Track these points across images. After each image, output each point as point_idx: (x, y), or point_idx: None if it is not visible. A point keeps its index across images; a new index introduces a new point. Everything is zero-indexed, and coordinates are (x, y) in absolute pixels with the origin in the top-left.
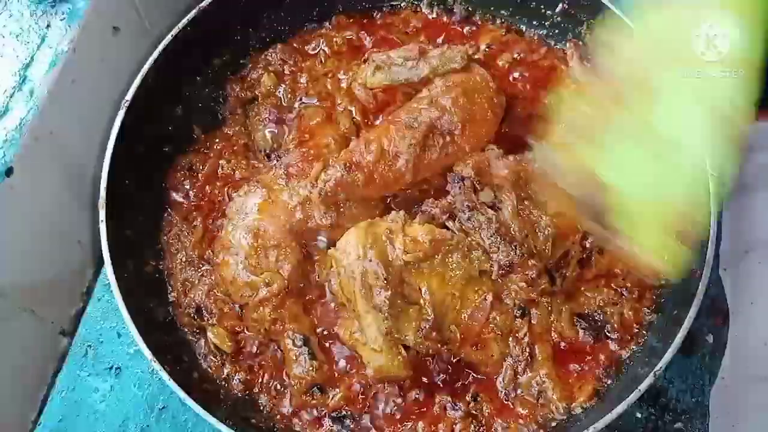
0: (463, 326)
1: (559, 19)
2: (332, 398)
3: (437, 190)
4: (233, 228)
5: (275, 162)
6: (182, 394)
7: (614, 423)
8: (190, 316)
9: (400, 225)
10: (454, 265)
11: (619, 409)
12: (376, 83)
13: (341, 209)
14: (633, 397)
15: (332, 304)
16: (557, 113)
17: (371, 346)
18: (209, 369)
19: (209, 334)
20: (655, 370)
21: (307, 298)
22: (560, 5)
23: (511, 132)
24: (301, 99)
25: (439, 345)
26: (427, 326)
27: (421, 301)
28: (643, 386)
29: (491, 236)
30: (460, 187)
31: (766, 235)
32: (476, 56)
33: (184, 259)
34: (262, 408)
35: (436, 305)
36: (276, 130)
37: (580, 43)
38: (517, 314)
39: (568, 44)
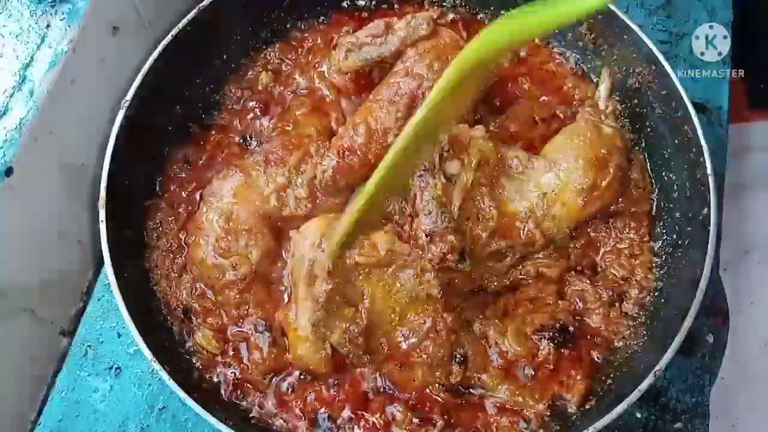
0: (392, 343)
1: None
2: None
3: None
4: (207, 210)
5: (256, 148)
6: (182, 394)
7: (614, 423)
8: (180, 319)
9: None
10: (404, 281)
11: (619, 409)
12: (351, 66)
13: (317, 201)
14: (633, 397)
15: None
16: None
17: (299, 333)
18: (201, 369)
19: (196, 337)
20: (655, 370)
21: (273, 285)
22: None
23: (510, 128)
24: (292, 92)
25: (361, 353)
26: (356, 330)
27: (360, 306)
28: (643, 386)
29: (429, 199)
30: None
31: (766, 236)
32: (441, 20)
33: (173, 260)
34: (250, 407)
35: (372, 314)
36: (259, 116)
37: (617, 72)
38: (457, 361)
39: (605, 69)
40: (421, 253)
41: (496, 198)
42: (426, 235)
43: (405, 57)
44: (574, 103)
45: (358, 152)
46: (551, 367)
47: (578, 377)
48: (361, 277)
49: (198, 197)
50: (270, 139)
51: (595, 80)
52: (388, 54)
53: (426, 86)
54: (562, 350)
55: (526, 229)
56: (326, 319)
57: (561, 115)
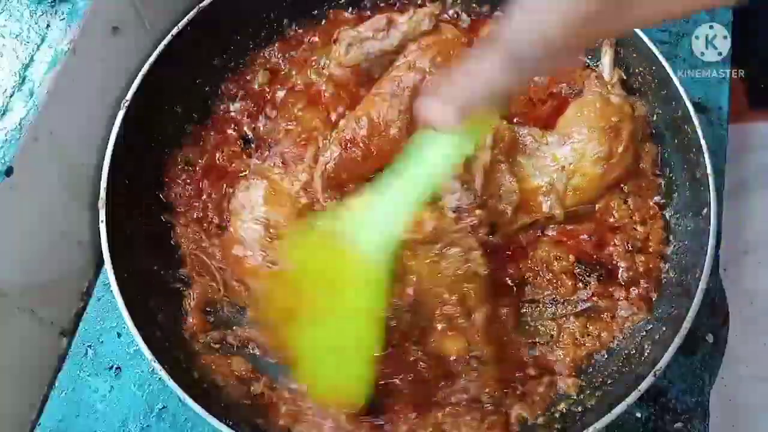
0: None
1: None
2: None
3: None
4: (242, 223)
5: (267, 152)
6: (182, 394)
7: (614, 423)
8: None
9: None
10: (451, 258)
11: (619, 409)
12: (353, 60)
13: (345, 190)
14: (633, 397)
15: None
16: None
17: None
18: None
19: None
20: (655, 369)
21: None
22: None
23: (511, 110)
24: (287, 90)
25: (406, 328)
26: (402, 305)
27: (407, 281)
28: (643, 386)
29: (452, 179)
30: None
31: (766, 236)
32: (442, 16)
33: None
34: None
35: (419, 290)
36: (255, 116)
37: (618, 47)
38: None
39: (605, 41)
40: (469, 230)
41: (516, 175)
42: (453, 212)
43: (407, 51)
44: (575, 82)
45: (361, 144)
46: None
47: None
48: (408, 254)
49: (205, 198)
50: (279, 141)
51: (594, 63)
52: (390, 49)
53: (429, 80)
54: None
55: (549, 202)
56: None
57: (562, 93)
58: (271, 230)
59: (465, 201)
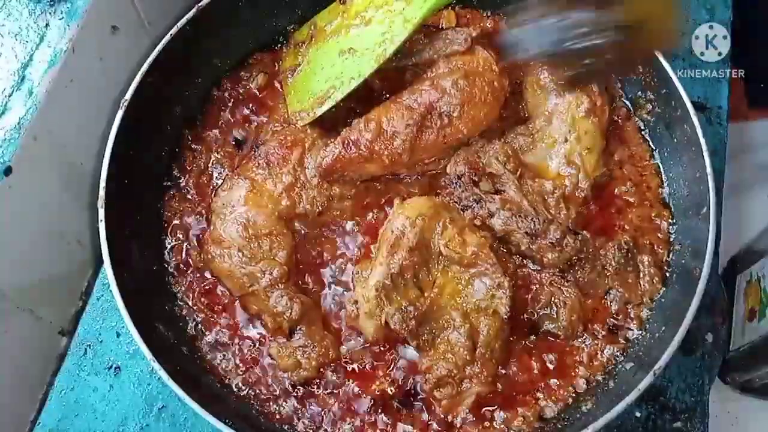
0: (437, 339)
1: None
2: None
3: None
4: (222, 222)
5: (253, 152)
6: (182, 394)
7: (614, 422)
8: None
9: (463, 223)
10: (478, 287)
11: (619, 408)
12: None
13: (331, 194)
14: (632, 396)
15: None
16: None
17: (362, 292)
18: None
19: (272, 352)
20: (654, 369)
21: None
22: None
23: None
24: (277, 92)
25: (407, 335)
26: (413, 312)
27: (426, 293)
28: (643, 385)
29: (507, 218)
30: (460, 185)
31: (766, 236)
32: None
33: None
34: (261, 407)
35: (435, 305)
36: (250, 118)
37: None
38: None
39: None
40: (503, 270)
41: (539, 171)
42: (531, 237)
43: (436, 67)
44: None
45: (362, 148)
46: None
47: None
48: (439, 267)
49: (197, 196)
50: (265, 141)
51: None
52: (419, 61)
53: (445, 101)
54: None
55: (575, 176)
56: (390, 289)
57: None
58: (250, 230)
59: (533, 225)
